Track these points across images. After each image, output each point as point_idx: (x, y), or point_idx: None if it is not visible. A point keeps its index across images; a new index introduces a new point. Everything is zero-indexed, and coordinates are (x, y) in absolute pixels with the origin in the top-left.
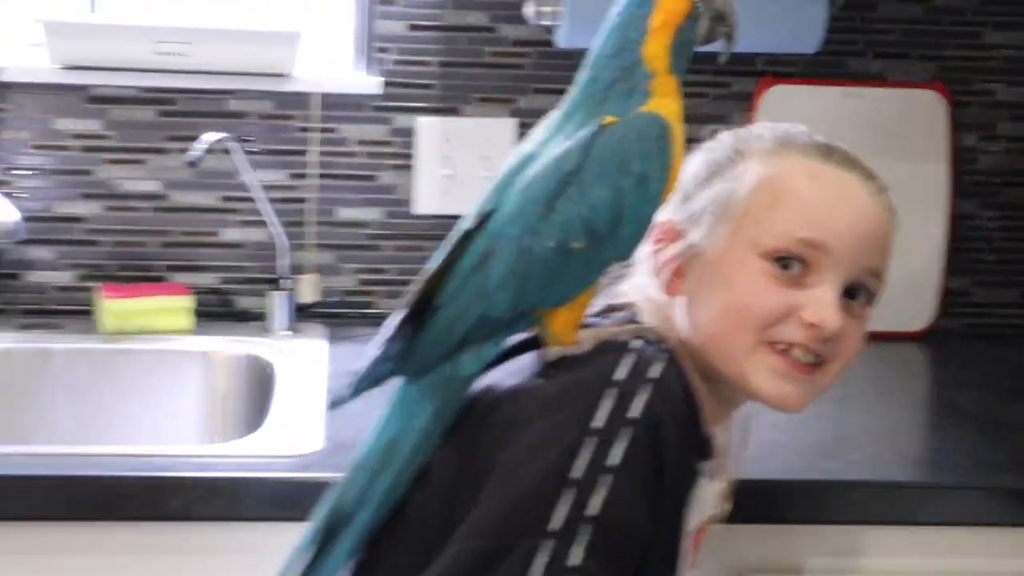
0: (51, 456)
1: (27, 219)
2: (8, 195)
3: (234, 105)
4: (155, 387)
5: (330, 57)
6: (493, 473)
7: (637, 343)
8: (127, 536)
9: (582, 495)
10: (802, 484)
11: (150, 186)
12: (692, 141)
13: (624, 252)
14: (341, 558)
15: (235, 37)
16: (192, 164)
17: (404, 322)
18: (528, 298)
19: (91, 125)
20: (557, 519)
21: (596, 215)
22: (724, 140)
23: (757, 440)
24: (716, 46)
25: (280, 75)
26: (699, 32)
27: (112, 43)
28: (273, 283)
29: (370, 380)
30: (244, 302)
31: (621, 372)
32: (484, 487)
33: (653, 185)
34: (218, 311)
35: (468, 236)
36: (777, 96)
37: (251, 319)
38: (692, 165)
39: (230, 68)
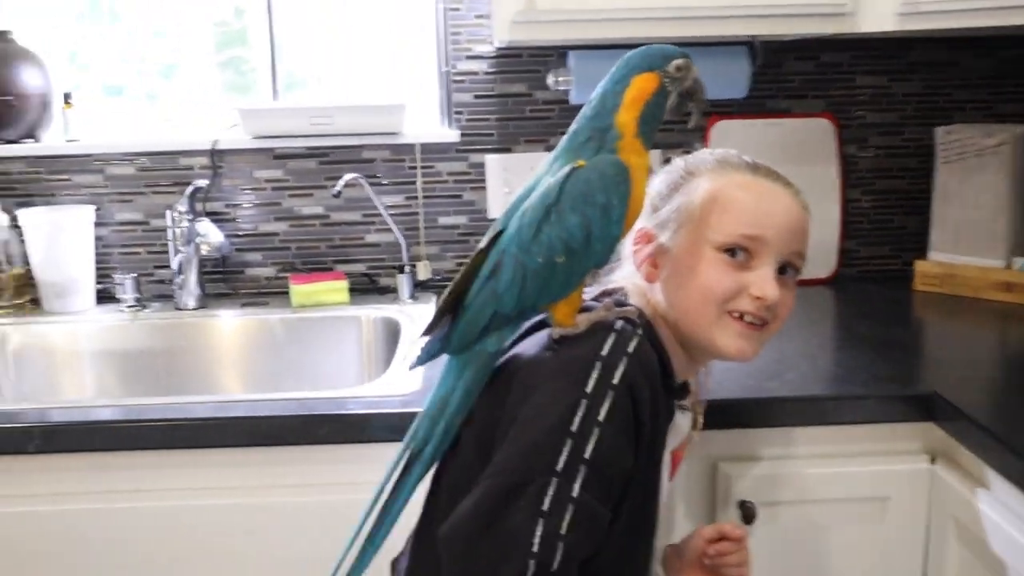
0: (253, 401)
1: (242, 235)
2: (229, 221)
3: (365, 154)
4: (327, 341)
5: (425, 119)
6: (514, 424)
7: (620, 324)
8: (290, 455)
9: (579, 443)
10: (753, 400)
11: (317, 210)
12: (668, 162)
13: (599, 262)
14: (416, 478)
15: (363, 111)
16: (336, 195)
17: (443, 314)
18: (528, 299)
19: (276, 173)
20: (561, 461)
21: (571, 236)
22: (677, 164)
23: (721, 368)
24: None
25: (394, 133)
26: (667, 106)
27: (285, 120)
28: (400, 268)
29: (427, 355)
30: (382, 281)
31: (606, 348)
32: (508, 434)
33: (614, 211)
34: (365, 288)
35: (484, 252)
36: (721, 128)
37: (387, 292)
38: (656, 185)
39: (361, 130)
